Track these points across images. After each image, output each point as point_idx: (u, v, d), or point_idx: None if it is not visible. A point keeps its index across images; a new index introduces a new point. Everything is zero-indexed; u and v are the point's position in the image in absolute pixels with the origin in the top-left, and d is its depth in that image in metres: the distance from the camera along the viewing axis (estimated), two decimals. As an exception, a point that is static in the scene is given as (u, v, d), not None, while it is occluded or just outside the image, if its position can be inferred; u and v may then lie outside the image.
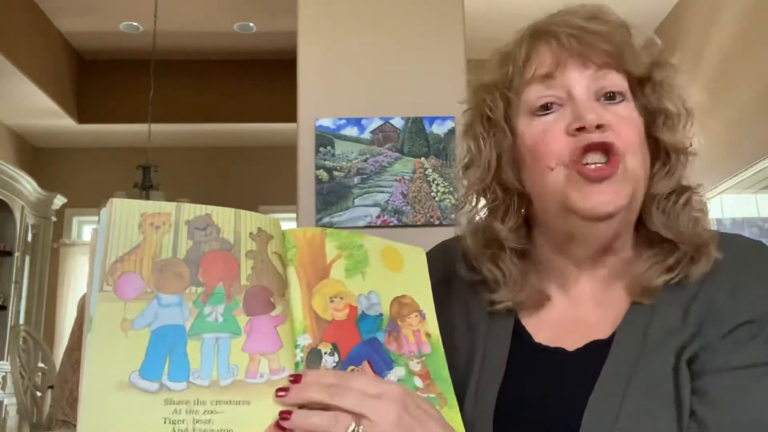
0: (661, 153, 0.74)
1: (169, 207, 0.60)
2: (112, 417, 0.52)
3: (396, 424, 0.54)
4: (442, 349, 0.69)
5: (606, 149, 0.69)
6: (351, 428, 0.54)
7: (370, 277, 0.68)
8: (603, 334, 0.72)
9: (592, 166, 0.69)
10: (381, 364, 0.64)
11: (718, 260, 0.70)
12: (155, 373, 0.54)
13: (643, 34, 0.74)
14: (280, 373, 0.58)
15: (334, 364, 0.61)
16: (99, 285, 0.56)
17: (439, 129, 2.77)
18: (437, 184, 2.74)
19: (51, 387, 3.65)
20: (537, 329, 0.77)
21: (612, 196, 0.68)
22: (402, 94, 2.78)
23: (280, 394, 0.56)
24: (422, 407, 0.58)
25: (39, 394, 3.91)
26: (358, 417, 0.54)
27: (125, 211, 0.59)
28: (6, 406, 4.82)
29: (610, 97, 0.71)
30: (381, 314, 0.67)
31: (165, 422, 0.53)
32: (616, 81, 0.72)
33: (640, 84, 0.74)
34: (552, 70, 0.72)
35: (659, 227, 0.72)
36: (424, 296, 0.71)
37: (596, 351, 0.71)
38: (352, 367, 0.62)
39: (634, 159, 0.70)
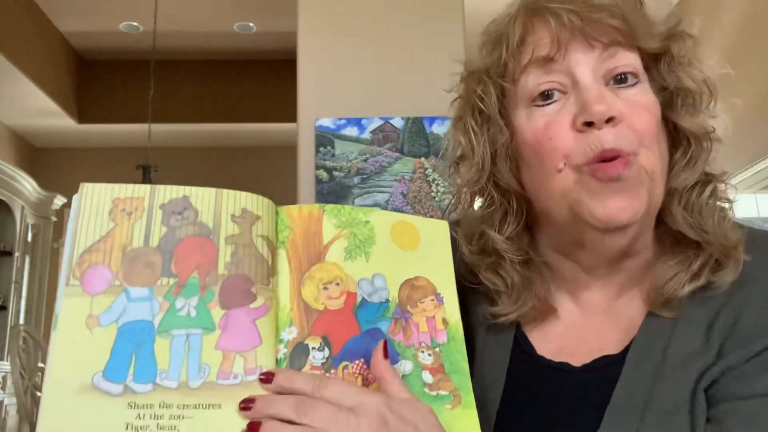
0: (681, 139, 0.64)
1: (142, 190, 0.55)
2: (71, 422, 0.48)
3: None
4: (462, 338, 0.61)
5: (625, 147, 0.60)
6: None
7: (376, 258, 0.60)
8: (613, 348, 0.64)
9: (605, 165, 0.60)
10: None
11: (747, 266, 0.61)
12: (120, 374, 0.50)
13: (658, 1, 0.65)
14: (256, 372, 0.52)
15: (324, 361, 0.55)
16: (66, 279, 0.52)
17: (439, 129, 2.77)
18: (437, 184, 2.74)
19: (51, 387, 3.64)
20: (540, 341, 0.68)
21: (628, 202, 0.59)
22: (402, 94, 2.77)
23: (244, 406, 0.50)
24: (408, 419, 0.50)
25: (39, 394, 3.90)
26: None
27: (96, 197, 0.54)
28: (6, 406, 4.82)
29: (622, 79, 0.62)
30: (387, 300, 0.59)
31: (127, 428, 0.48)
32: (628, 60, 0.62)
33: (655, 60, 0.64)
34: (552, 53, 0.61)
35: (681, 225, 0.63)
36: (443, 277, 0.62)
37: (606, 369, 0.63)
38: (345, 363, 0.55)
39: (649, 154, 0.60)
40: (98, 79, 5.65)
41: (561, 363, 0.66)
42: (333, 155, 2.75)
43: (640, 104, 0.61)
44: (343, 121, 2.77)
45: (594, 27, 0.61)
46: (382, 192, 2.73)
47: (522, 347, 0.69)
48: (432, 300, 0.61)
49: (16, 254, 5.27)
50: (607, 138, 0.59)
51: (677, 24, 0.65)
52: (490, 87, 0.66)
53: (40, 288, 5.56)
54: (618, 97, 0.61)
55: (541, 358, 0.67)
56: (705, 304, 0.62)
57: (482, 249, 0.69)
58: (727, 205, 0.65)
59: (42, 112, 5.39)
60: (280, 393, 0.51)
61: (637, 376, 0.60)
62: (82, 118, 5.65)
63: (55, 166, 6.19)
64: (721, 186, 0.65)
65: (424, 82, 2.76)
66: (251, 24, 5.12)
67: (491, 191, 0.68)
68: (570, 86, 0.62)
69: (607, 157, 0.59)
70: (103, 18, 5.02)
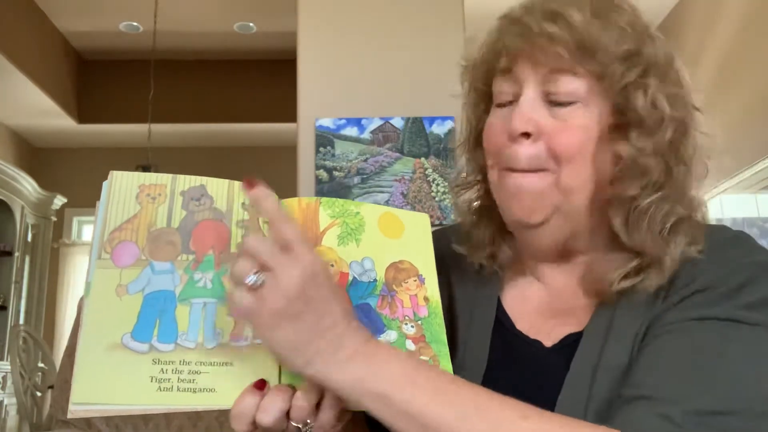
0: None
1: (165, 178, 0.63)
2: (103, 376, 0.55)
3: (295, 293, 0.53)
4: (441, 313, 0.69)
5: (532, 166, 0.68)
6: (251, 278, 0.53)
7: (365, 244, 0.68)
8: (578, 326, 0.71)
9: (513, 179, 0.68)
10: (370, 329, 0.63)
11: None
12: (146, 335, 0.57)
13: (630, 18, 0.68)
14: None
15: None
16: (97, 252, 0.59)
17: (439, 129, 2.77)
18: (437, 184, 2.74)
19: (51, 387, 3.65)
20: (518, 316, 0.76)
21: (528, 211, 0.68)
22: (402, 94, 2.78)
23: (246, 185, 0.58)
24: (331, 287, 0.56)
25: (39, 394, 3.91)
26: (265, 268, 0.54)
27: (124, 183, 0.62)
28: (6, 406, 4.82)
29: (558, 101, 0.67)
30: (375, 280, 0.68)
31: (151, 380, 0.56)
32: (568, 87, 0.67)
33: (614, 80, 0.67)
34: (510, 65, 0.69)
35: (617, 229, 0.68)
36: (424, 261, 0.71)
37: (570, 345, 0.70)
38: None
39: (571, 169, 0.67)
40: (98, 79, 5.65)
41: (534, 340, 0.73)
42: (333, 155, 2.75)
43: (569, 124, 0.67)
44: (343, 121, 2.77)
45: (540, 53, 0.67)
46: (382, 192, 2.73)
47: (502, 321, 0.76)
48: (414, 280, 0.70)
49: (16, 254, 5.27)
50: (518, 156, 0.68)
51: (633, 48, 0.67)
52: (480, 80, 0.75)
53: (40, 288, 5.56)
54: (552, 115, 0.67)
55: (519, 332, 0.75)
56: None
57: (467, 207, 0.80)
58: (672, 219, 0.67)
59: (42, 112, 5.39)
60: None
61: (591, 345, 0.68)
62: (82, 118, 5.64)
63: (55, 166, 6.19)
64: (678, 208, 0.68)
65: (424, 82, 2.76)
66: (251, 24, 5.12)
67: (472, 163, 0.78)
68: (518, 96, 0.69)
69: (518, 168, 0.68)
70: (103, 18, 5.02)
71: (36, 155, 6.21)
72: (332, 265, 0.66)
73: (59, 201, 5.80)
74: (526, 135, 0.67)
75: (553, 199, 0.68)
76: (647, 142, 0.67)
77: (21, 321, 5.14)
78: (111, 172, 0.62)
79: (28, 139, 6.08)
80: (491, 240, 0.77)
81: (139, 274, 0.59)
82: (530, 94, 0.68)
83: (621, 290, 0.67)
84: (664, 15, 4.45)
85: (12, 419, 4.79)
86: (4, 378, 4.86)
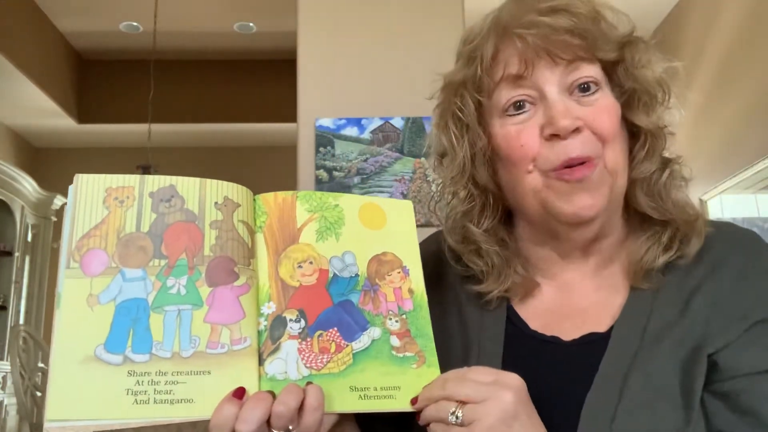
0: (639, 134, 0.72)
1: (132, 180, 0.61)
2: (77, 390, 0.53)
3: (512, 411, 0.57)
4: (427, 306, 0.68)
5: (587, 153, 0.68)
6: (452, 418, 0.57)
7: (346, 238, 0.67)
8: (600, 325, 0.71)
9: (570, 174, 0.67)
10: (353, 326, 0.63)
11: (716, 252, 0.70)
12: (119, 346, 0.55)
13: (612, 12, 0.71)
14: (241, 342, 0.58)
15: (300, 330, 0.61)
16: (66, 262, 0.57)
17: (439, 129, 2.77)
18: (437, 185, 2.74)
19: (51, 387, 3.64)
20: (531, 317, 0.75)
21: (592, 200, 0.67)
22: (402, 94, 2.77)
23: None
24: (533, 409, 0.60)
25: (39, 394, 3.90)
26: (461, 403, 0.57)
27: (90, 187, 0.60)
28: (6, 406, 4.81)
29: (584, 88, 0.69)
30: (356, 275, 0.66)
31: (127, 393, 0.54)
32: (589, 72, 0.69)
33: (614, 66, 0.71)
34: (521, 71, 0.69)
35: (646, 209, 0.72)
36: (408, 251, 0.69)
37: (594, 344, 0.69)
38: (320, 332, 0.62)
39: (613, 152, 0.68)
40: (98, 79, 5.65)
41: (552, 336, 0.72)
42: (333, 155, 2.75)
43: (601, 108, 0.69)
44: (343, 121, 2.77)
45: (558, 47, 0.68)
46: (382, 192, 2.73)
47: (515, 323, 0.75)
48: (398, 272, 0.68)
49: (16, 254, 5.26)
50: (573, 147, 0.67)
51: (630, 32, 0.71)
52: (468, 99, 0.73)
53: (40, 288, 5.56)
54: (581, 104, 0.69)
55: (534, 332, 0.74)
56: (681, 280, 0.70)
57: (464, 238, 0.77)
58: (683, 184, 0.74)
59: (42, 112, 5.38)
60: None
61: (622, 350, 0.67)
62: (82, 118, 5.64)
63: (55, 166, 6.19)
64: (677, 168, 0.73)
65: (424, 82, 2.75)
66: (251, 24, 5.12)
67: (471, 188, 0.76)
68: (538, 99, 0.69)
69: (574, 163, 0.67)
70: (103, 18, 5.02)
71: (36, 155, 6.21)
72: (311, 262, 0.64)
73: (59, 201, 5.80)
74: (575, 130, 0.67)
75: (609, 184, 0.69)
76: (658, 115, 0.71)
77: (21, 321, 5.14)
78: (76, 175, 0.60)
79: (28, 139, 6.08)
80: (507, 263, 0.75)
81: (110, 282, 0.57)
82: (555, 91, 0.68)
83: (662, 267, 0.70)
84: (664, 15, 4.45)
85: (12, 419, 4.79)
86: (4, 378, 4.86)
